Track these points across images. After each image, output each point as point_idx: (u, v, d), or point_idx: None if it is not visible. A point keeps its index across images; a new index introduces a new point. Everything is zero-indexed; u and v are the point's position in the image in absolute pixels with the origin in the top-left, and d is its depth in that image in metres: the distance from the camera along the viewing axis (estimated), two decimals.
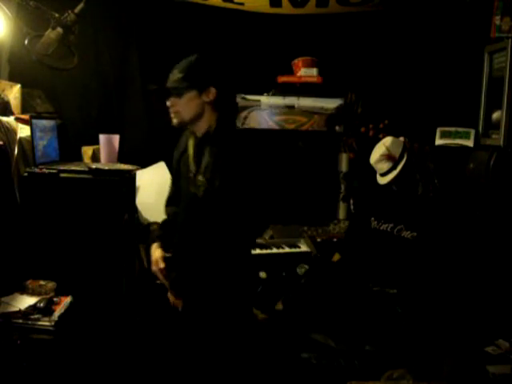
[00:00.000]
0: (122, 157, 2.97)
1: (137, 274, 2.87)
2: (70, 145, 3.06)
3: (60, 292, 2.35)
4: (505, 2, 2.88)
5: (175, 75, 1.97)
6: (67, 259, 2.49)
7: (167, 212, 2.27)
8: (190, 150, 2.03)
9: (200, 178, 1.95)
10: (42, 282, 2.37)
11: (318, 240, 3.18)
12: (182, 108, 1.96)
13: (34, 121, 2.61)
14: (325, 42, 3.62)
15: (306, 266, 3.00)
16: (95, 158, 3.04)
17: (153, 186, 3.35)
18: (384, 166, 2.73)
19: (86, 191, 2.52)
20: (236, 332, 2.05)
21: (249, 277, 2.21)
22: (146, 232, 2.99)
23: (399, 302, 2.56)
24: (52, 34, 2.44)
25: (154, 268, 2.11)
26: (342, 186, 3.57)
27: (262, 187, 2.04)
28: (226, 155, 1.95)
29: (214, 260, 2.00)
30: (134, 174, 2.90)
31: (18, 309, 2.17)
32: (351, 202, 3.55)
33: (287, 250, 3.09)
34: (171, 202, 2.26)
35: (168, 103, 1.99)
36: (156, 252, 2.12)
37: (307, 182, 3.58)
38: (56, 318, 2.17)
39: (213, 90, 1.97)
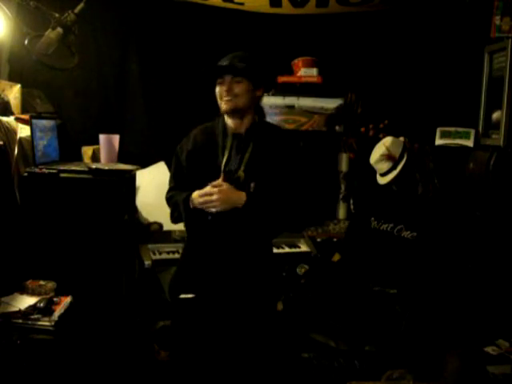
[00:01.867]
0: (121, 157, 2.97)
1: (137, 274, 2.87)
2: (70, 145, 3.06)
3: (60, 292, 2.35)
4: (505, 2, 2.88)
5: (236, 62, 1.94)
6: (67, 259, 2.49)
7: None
8: (228, 146, 1.98)
9: (241, 173, 1.94)
10: (41, 282, 2.37)
11: (318, 240, 3.18)
12: (239, 93, 1.92)
13: (34, 121, 2.61)
14: (325, 42, 3.62)
15: (306, 266, 3.00)
16: (95, 157, 3.04)
17: (153, 186, 3.35)
18: (384, 166, 2.73)
19: (86, 191, 2.52)
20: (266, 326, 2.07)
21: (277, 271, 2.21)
22: (146, 232, 2.99)
23: (399, 302, 2.56)
24: (52, 34, 2.44)
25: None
26: (342, 186, 3.57)
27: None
28: (270, 151, 1.96)
29: (254, 254, 2.00)
30: (134, 174, 2.90)
31: (17, 309, 2.17)
32: (351, 201, 3.55)
33: (287, 249, 3.09)
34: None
35: (224, 85, 1.93)
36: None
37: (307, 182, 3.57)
38: (56, 318, 2.16)
39: (262, 89, 2.00)
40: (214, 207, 1.88)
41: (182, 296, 1.99)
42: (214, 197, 1.86)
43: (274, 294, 2.15)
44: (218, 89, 1.97)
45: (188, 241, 2.16)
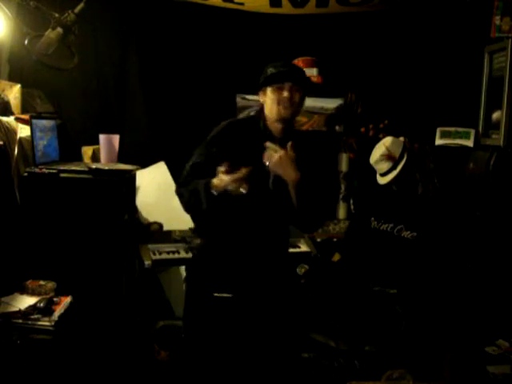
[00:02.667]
0: (122, 157, 2.97)
1: (137, 274, 2.87)
2: (70, 145, 3.06)
3: (60, 292, 2.35)
4: (505, 2, 2.88)
5: (296, 71, 1.97)
6: (67, 259, 2.49)
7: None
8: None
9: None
10: (41, 282, 2.37)
11: (318, 240, 3.18)
12: (298, 102, 1.94)
13: (34, 121, 2.61)
14: (325, 42, 3.62)
15: (306, 266, 3.00)
16: (95, 157, 3.04)
17: (153, 186, 3.35)
18: (384, 166, 2.73)
19: (86, 191, 2.52)
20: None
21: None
22: (146, 232, 2.99)
23: (399, 302, 2.56)
24: (52, 34, 2.44)
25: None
26: (342, 186, 3.57)
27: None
28: (302, 153, 1.96)
29: (278, 251, 2.07)
30: (134, 174, 2.90)
31: (17, 309, 2.17)
32: (351, 201, 3.55)
33: None
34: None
35: (286, 92, 1.91)
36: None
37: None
38: (56, 318, 2.16)
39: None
40: (237, 187, 1.79)
41: (217, 295, 1.97)
42: (276, 155, 1.83)
43: (295, 292, 2.23)
44: (275, 94, 1.93)
45: (208, 236, 2.12)
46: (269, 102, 1.95)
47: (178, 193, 2.01)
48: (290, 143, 1.87)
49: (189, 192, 1.95)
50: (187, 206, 1.99)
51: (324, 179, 2.06)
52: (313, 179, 1.95)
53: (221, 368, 2.03)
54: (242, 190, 1.80)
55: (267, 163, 1.86)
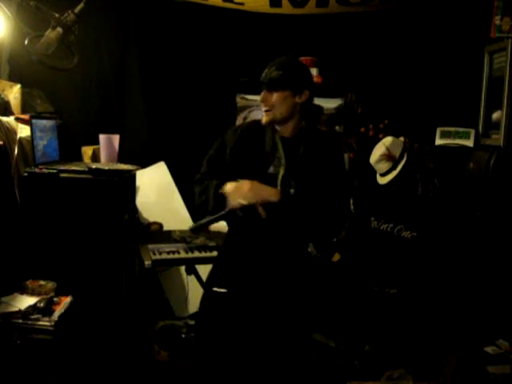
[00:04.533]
0: (122, 157, 2.97)
1: (137, 274, 2.87)
2: (70, 145, 3.06)
3: (60, 292, 2.35)
4: (505, 2, 2.88)
5: (272, 72, 1.94)
6: (67, 259, 2.49)
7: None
8: (280, 149, 1.97)
9: (290, 177, 1.93)
10: (42, 282, 2.37)
11: None
12: (276, 104, 1.92)
13: (34, 121, 2.61)
14: (325, 42, 3.62)
15: None
16: (95, 157, 3.04)
17: (153, 186, 3.35)
18: (384, 166, 2.73)
19: (86, 191, 2.52)
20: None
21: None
22: (145, 232, 2.99)
23: (399, 302, 2.56)
24: (52, 34, 2.44)
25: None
26: None
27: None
28: (317, 155, 1.96)
29: (286, 255, 2.00)
30: (134, 174, 2.90)
31: (17, 309, 2.17)
32: (351, 201, 3.55)
33: None
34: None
35: (261, 98, 1.94)
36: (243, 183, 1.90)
37: None
38: (56, 318, 2.17)
39: (306, 93, 1.97)
40: (242, 198, 1.84)
41: (215, 289, 1.99)
42: (246, 186, 1.85)
43: (308, 297, 2.13)
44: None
45: (227, 234, 2.14)
46: None
47: (194, 187, 2.07)
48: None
49: (200, 189, 2.01)
50: (197, 201, 2.04)
51: (339, 179, 2.00)
52: (324, 183, 1.93)
53: (223, 366, 2.03)
54: (242, 201, 1.85)
55: (242, 202, 1.85)
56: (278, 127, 1.99)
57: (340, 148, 2.10)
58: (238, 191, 1.86)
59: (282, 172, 1.92)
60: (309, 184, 1.92)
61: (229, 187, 1.88)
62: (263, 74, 1.97)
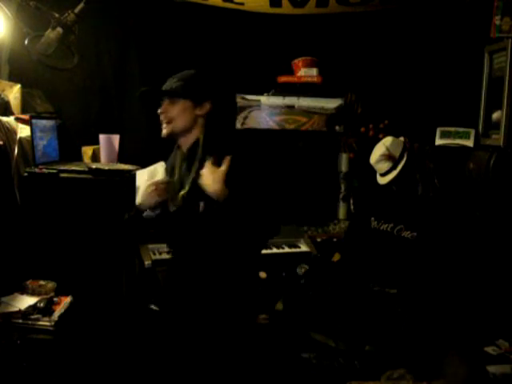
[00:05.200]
0: (122, 157, 2.97)
1: (137, 274, 2.87)
2: (70, 145, 3.06)
3: (60, 292, 2.35)
4: (505, 2, 2.88)
5: (173, 82, 1.92)
6: (67, 259, 2.49)
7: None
8: (177, 165, 1.99)
9: (182, 193, 1.91)
10: (42, 282, 2.37)
11: (318, 240, 3.18)
12: (175, 115, 1.90)
13: (34, 121, 2.61)
14: (325, 42, 3.62)
15: (306, 266, 3.00)
16: (95, 157, 3.04)
17: None
18: (384, 166, 2.73)
19: (86, 191, 2.52)
20: (239, 336, 1.96)
21: (255, 281, 2.09)
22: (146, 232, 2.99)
23: (399, 302, 2.56)
24: (52, 34, 2.44)
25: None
26: (342, 186, 3.57)
27: (263, 187, 1.97)
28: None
29: (222, 268, 1.90)
30: (134, 174, 2.90)
31: (17, 309, 2.17)
32: (351, 201, 3.55)
33: (287, 250, 3.08)
34: None
35: (160, 109, 1.93)
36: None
37: (307, 182, 3.58)
38: (56, 318, 2.17)
39: (207, 106, 1.93)
40: (153, 197, 1.92)
41: (151, 306, 1.98)
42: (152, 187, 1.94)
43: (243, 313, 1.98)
44: None
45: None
46: None
47: None
48: (227, 158, 1.77)
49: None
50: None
51: (262, 186, 1.91)
52: (245, 189, 1.82)
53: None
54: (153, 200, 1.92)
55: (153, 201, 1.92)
56: (179, 141, 1.98)
57: (243, 155, 1.93)
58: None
59: (185, 190, 1.90)
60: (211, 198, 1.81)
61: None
62: (165, 84, 1.95)
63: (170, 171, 2.04)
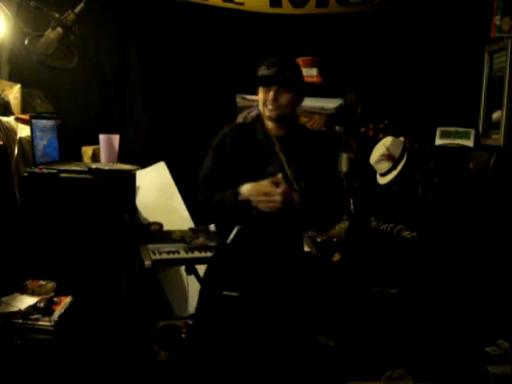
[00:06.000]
0: (122, 157, 2.97)
1: (137, 274, 2.87)
2: (70, 145, 3.06)
3: (60, 292, 2.35)
4: (505, 2, 2.88)
5: (284, 71, 1.92)
6: (67, 259, 2.49)
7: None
8: (278, 149, 1.96)
9: (290, 175, 1.93)
10: (42, 282, 2.37)
11: (318, 240, 3.17)
12: (286, 103, 1.92)
13: (34, 121, 2.61)
14: (325, 42, 3.62)
15: None
16: (95, 158, 3.04)
17: (153, 186, 3.35)
18: (384, 166, 2.73)
19: (86, 191, 2.52)
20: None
21: None
22: (145, 232, 2.99)
23: (399, 302, 2.56)
24: (52, 34, 2.44)
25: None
26: None
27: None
28: (311, 152, 1.99)
29: (294, 251, 2.05)
30: (134, 174, 2.90)
31: (17, 309, 2.16)
32: (351, 201, 3.55)
33: None
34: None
35: (271, 95, 1.91)
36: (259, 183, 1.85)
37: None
38: (56, 318, 2.16)
39: (302, 101, 2.02)
40: (271, 208, 1.82)
41: (226, 293, 1.97)
42: (277, 198, 1.80)
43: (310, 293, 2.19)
44: (262, 95, 1.94)
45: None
46: (260, 101, 1.98)
47: (202, 208, 2.05)
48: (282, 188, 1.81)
49: (214, 208, 1.98)
50: (214, 218, 2.12)
51: (334, 177, 2.07)
52: (320, 179, 1.95)
53: (225, 368, 2.02)
54: (265, 209, 1.83)
55: (266, 210, 1.83)
56: (272, 125, 1.98)
57: (332, 145, 2.13)
58: (266, 201, 1.83)
59: (289, 172, 1.91)
60: (309, 182, 1.92)
61: (250, 193, 1.84)
62: (272, 69, 1.92)
63: (256, 153, 1.98)
